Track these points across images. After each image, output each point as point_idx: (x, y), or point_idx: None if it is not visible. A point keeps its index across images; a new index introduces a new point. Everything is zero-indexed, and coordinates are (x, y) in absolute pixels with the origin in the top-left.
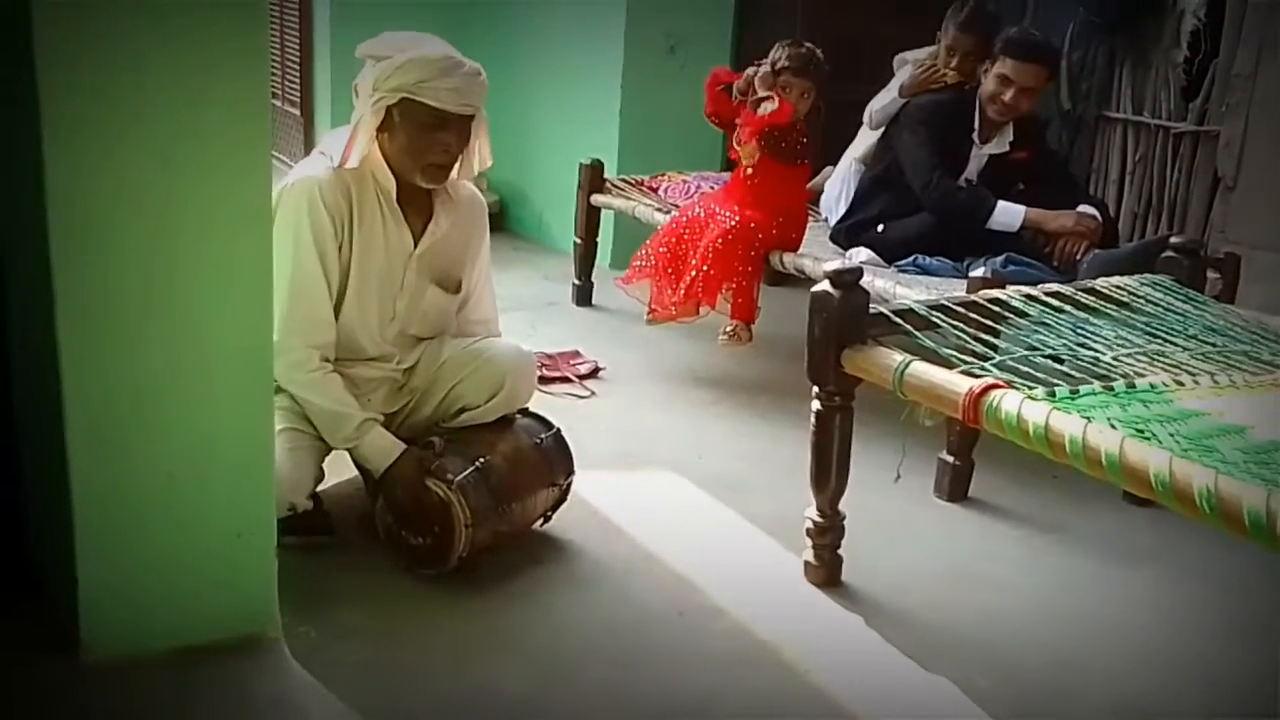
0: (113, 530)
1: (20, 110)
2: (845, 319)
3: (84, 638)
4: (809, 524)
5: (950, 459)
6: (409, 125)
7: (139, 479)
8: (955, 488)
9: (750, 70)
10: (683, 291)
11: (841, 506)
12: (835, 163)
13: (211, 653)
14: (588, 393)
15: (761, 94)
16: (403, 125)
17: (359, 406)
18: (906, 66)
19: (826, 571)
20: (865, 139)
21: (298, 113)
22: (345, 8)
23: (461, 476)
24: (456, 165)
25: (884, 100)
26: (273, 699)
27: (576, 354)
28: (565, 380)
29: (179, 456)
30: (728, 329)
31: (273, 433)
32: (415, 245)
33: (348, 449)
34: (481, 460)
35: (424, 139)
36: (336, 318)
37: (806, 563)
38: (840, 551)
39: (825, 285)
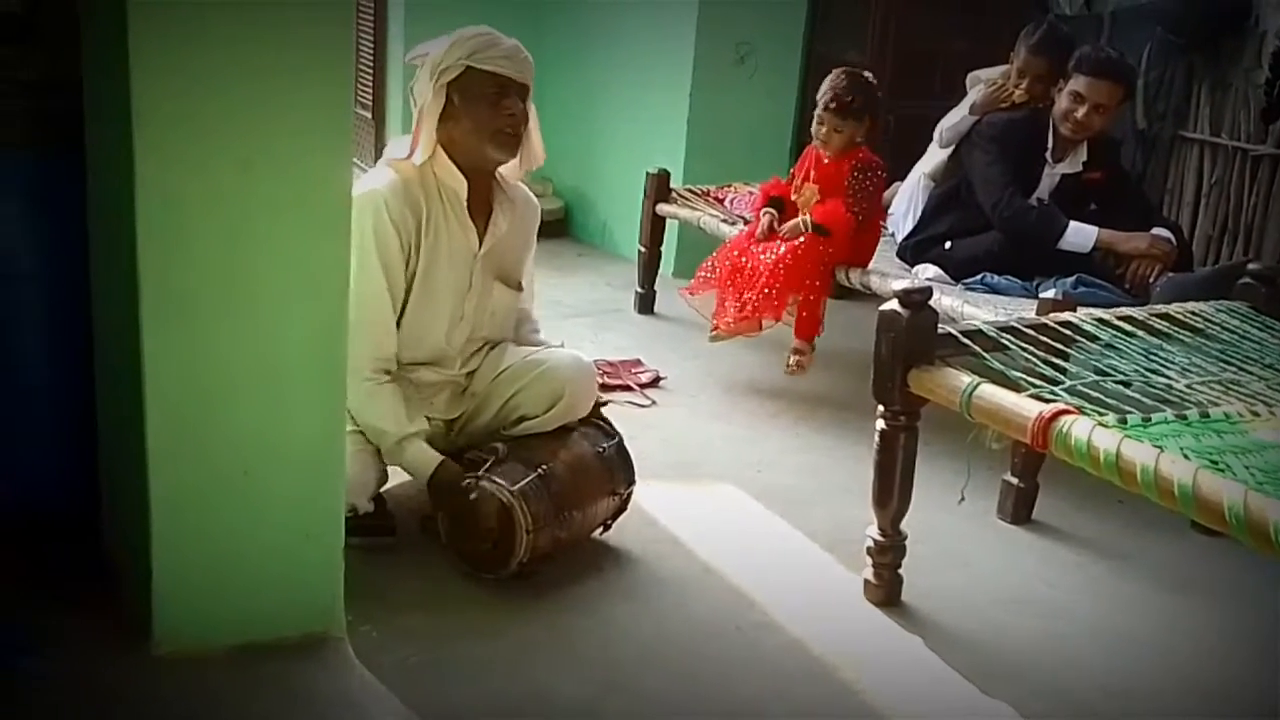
0: (187, 527)
1: (113, 121)
2: (913, 339)
3: (157, 632)
4: (870, 542)
5: (1015, 481)
6: (472, 100)
7: (214, 478)
8: (1019, 510)
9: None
10: (749, 306)
11: (902, 526)
12: (903, 177)
13: (278, 649)
14: (648, 401)
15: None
16: (465, 104)
17: (405, 420)
18: (979, 85)
19: (886, 591)
20: (934, 155)
21: (369, 115)
22: (418, 9)
23: (523, 483)
24: (518, 153)
25: (954, 119)
26: (336, 697)
27: (638, 362)
28: (626, 388)
29: (253, 456)
30: (791, 360)
31: (344, 435)
32: (480, 246)
33: (392, 462)
34: (544, 467)
35: (489, 109)
36: (402, 321)
37: (866, 581)
38: (900, 571)
39: (894, 304)
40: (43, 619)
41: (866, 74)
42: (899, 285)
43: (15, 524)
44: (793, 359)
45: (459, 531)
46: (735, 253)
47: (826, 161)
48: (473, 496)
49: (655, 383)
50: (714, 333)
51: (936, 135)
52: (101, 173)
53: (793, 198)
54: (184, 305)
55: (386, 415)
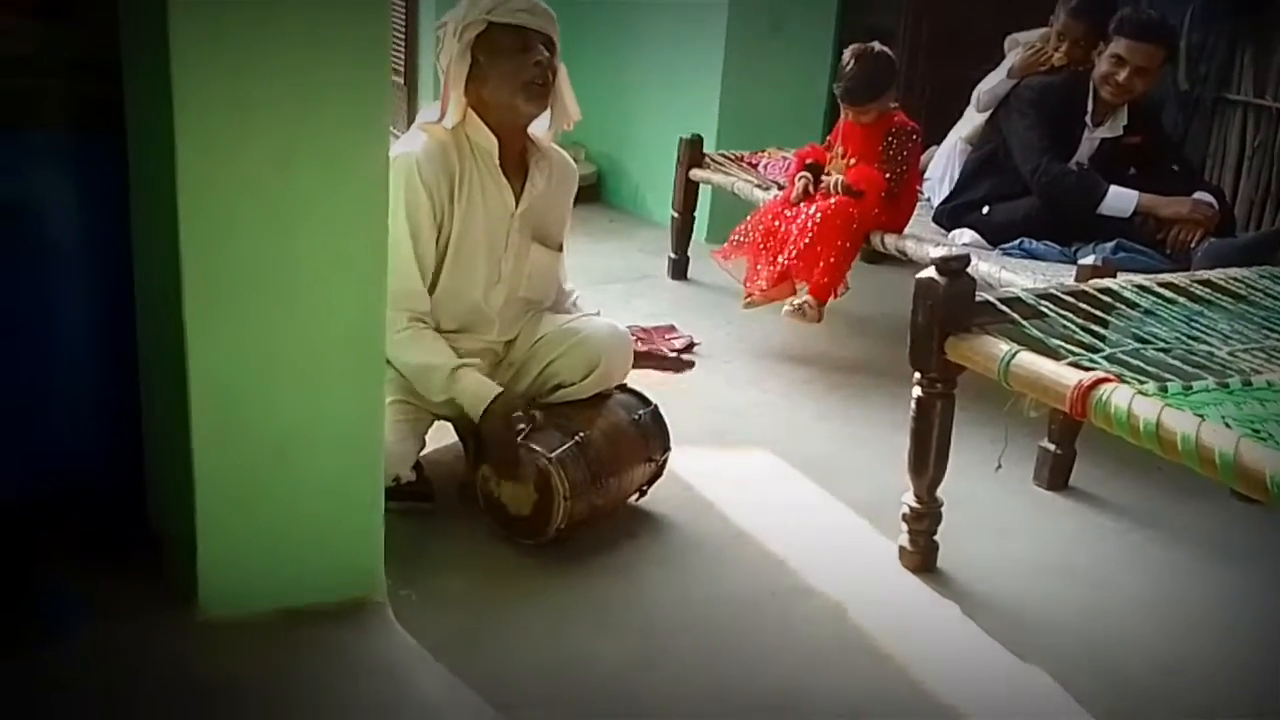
0: (231, 496)
1: (153, 103)
2: (950, 306)
3: (201, 597)
4: (905, 509)
5: (1052, 447)
6: (498, 56)
7: (257, 448)
8: (1055, 477)
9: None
10: (778, 269)
11: (938, 493)
12: (940, 142)
13: (320, 614)
14: (684, 366)
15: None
16: (491, 60)
17: (453, 354)
18: (1018, 49)
19: (922, 557)
20: (971, 119)
21: (401, 82)
22: None
23: (561, 450)
24: (548, 111)
25: (992, 82)
26: (377, 661)
27: (672, 328)
28: (660, 355)
29: (294, 429)
30: (795, 302)
31: (383, 406)
32: (516, 205)
33: (446, 397)
34: (580, 435)
35: (514, 62)
36: (436, 285)
37: (902, 548)
38: (936, 538)
39: (931, 272)
40: (91, 586)
41: (877, 48)
42: (937, 253)
43: (63, 495)
44: (796, 303)
45: (498, 482)
46: (769, 217)
47: (861, 128)
48: (522, 446)
49: (689, 348)
50: (747, 299)
51: (974, 98)
52: (142, 155)
53: (827, 169)
54: (225, 284)
55: (436, 350)
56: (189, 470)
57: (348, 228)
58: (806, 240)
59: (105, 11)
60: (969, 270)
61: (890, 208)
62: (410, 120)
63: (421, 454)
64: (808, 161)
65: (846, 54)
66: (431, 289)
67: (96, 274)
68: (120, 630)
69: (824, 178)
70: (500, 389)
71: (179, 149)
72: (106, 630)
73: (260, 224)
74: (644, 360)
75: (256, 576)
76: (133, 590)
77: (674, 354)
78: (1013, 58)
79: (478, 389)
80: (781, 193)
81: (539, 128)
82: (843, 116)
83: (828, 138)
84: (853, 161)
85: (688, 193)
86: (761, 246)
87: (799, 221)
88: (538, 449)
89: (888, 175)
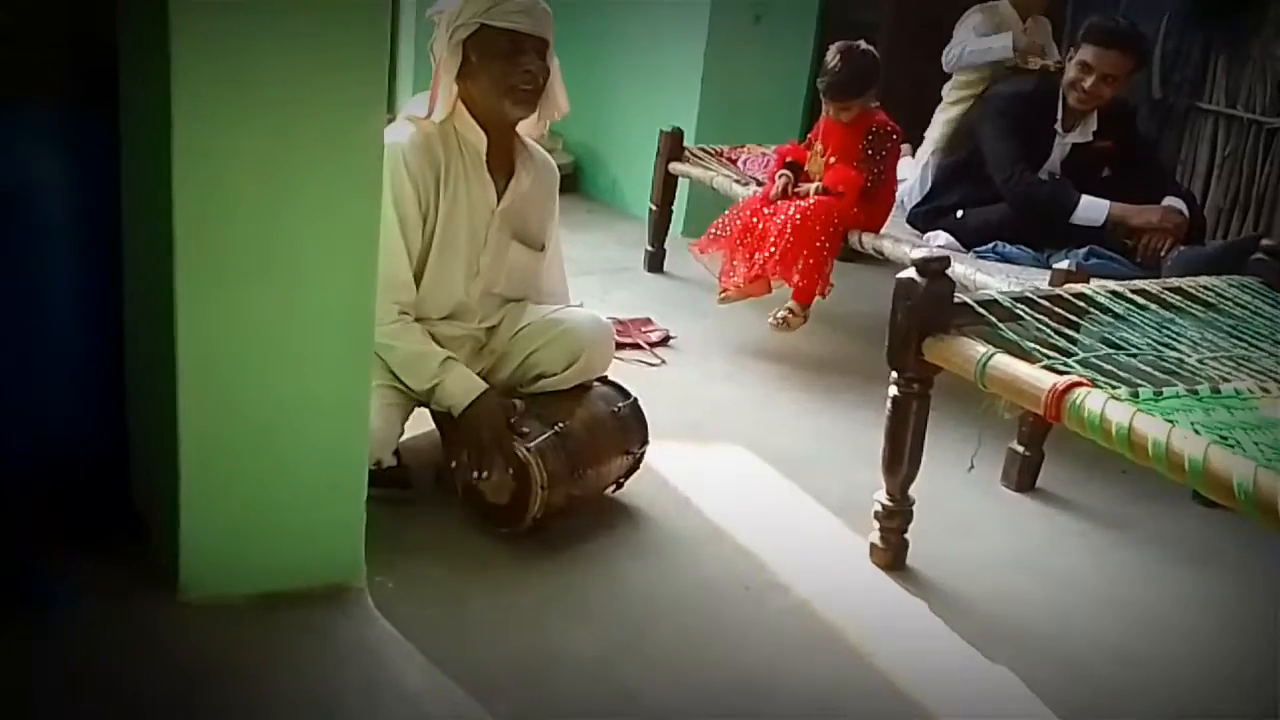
0: (216, 477)
1: (150, 77)
2: (929, 307)
3: (182, 579)
4: (878, 507)
5: (1021, 449)
6: (488, 57)
7: (243, 429)
8: (1023, 478)
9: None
10: (755, 267)
11: (910, 491)
12: (919, 136)
13: (300, 599)
14: (658, 360)
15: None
16: (481, 61)
17: (440, 349)
18: (973, 15)
19: (892, 555)
20: (939, 121)
21: None
22: None
23: (540, 440)
24: (536, 108)
25: (977, 44)
26: (356, 646)
27: (648, 321)
28: (636, 347)
29: (281, 409)
30: (779, 313)
31: (370, 390)
32: (499, 202)
33: (431, 388)
34: (560, 425)
35: (505, 65)
36: (421, 276)
37: (873, 545)
38: (906, 536)
39: (911, 273)
40: (71, 566)
41: (862, 45)
42: (917, 254)
43: (44, 474)
44: (782, 313)
45: (475, 472)
46: (747, 213)
47: (841, 127)
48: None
49: (665, 342)
50: (723, 295)
51: (949, 60)
52: (136, 130)
53: (806, 166)
54: (218, 262)
55: (424, 342)
56: (174, 450)
57: (343, 207)
58: (786, 240)
59: None
60: (947, 272)
61: (868, 207)
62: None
63: (400, 440)
64: (788, 160)
65: (831, 50)
66: (417, 279)
67: (83, 249)
68: (100, 611)
69: (802, 185)
70: (486, 387)
71: (175, 125)
72: (86, 610)
73: (255, 202)
74: (620, 349)
75: (238, 559)
76: (113, 570)
77: (650, 347)
78: (969, 22)
79: (465, 384)
80: (760, 189)
81: (525, 121)
82: (824, 113)
83: (808, 135)
84: (832, 160)
85: (666, 186)
86: (739, 242)
87: (777, 220)
88: (517, 438)
89: (866, 176)
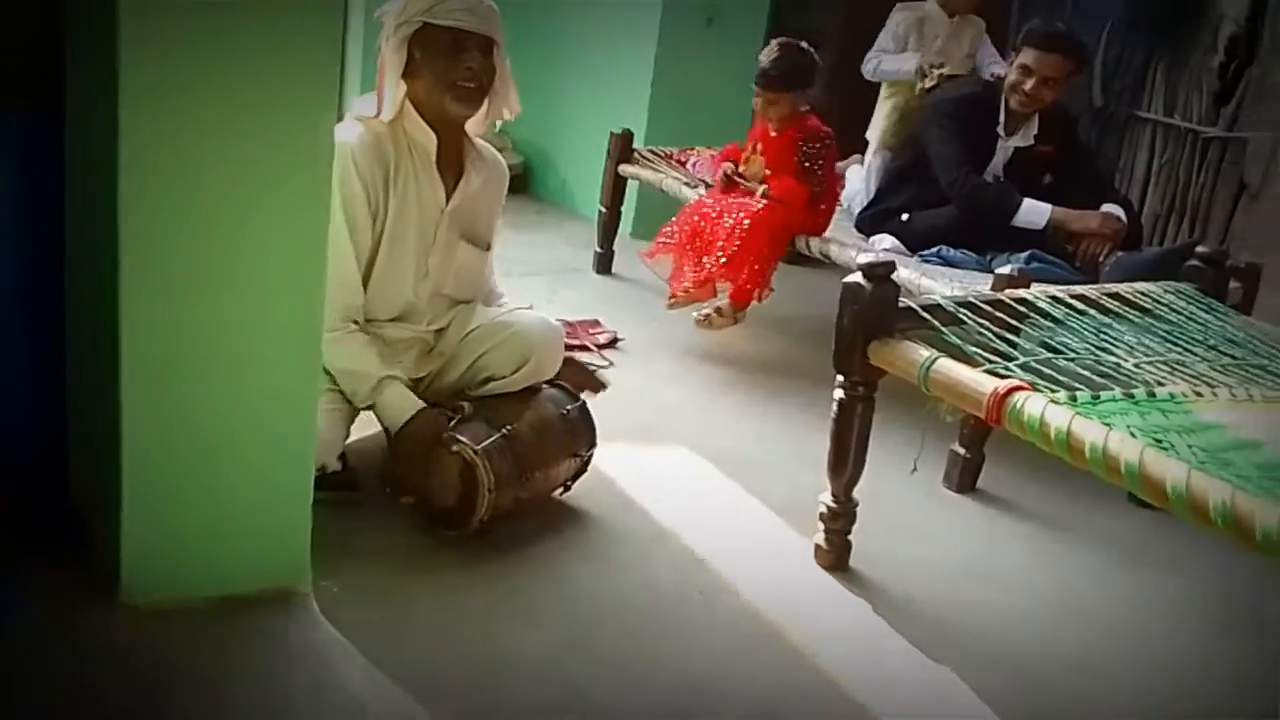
0: (160, 480)
1: (97, 84)
2: (875, 312)
3: (125, 584)
4: (822, 509)
5: (962, 451)
6: (432, 55)
7: (188, 432)
8: (964, 479)
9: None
10: (703, 271)
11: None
12: (863, 140)
13: (245, 603)
14: (606, 363)
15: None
16: (425, 59)
17: (380, 363)
18: (903, 15)
19: (836, 556)
20: (877, 122)
21: None
22: None
23: (488, 442)
24: (484, 106)
25: (893, 64)
26: (301, 651)
27: (596, 323)
28: (584, 349)
29: (227, 413)
30: (708, 312)
31: (317, 394)
32: (447, 202)
33: (367, 407)
34: (508, 428)
35: (447, 62)
36: (370, 277)
37: (817, 546)
38: (850, 537)
39: (857, 277)
40: (9, 570)
41: (803, 44)
42: (863, 258)
43: None
44: (707, 311)
45: (421, 484)
46: (695, 217)
47: (774, 135)
48: (454, 449)
49: (613, 344)
50: (671, 300)
51: (870, 69)
52: (82, 133)
53: (740, 169)
54: (163, 267)
55: (364, 357)
56: (117, 452)
57: (292, 214)
58: (734, 246)
59: None
60: (892, 277)
61: (812, 211)
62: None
63: (347, 443)
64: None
65: (771, 44)
66: (365, 281)
67: (26, 252)
68: (43, 614)
69: (748, 180)
70: (421, 405)
71: (121, 131)
72: (28, 613)
73: (202, 209)
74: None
75: (182, 563)
76: (53, 575)
77: (597, 349)
78: (892, 24)
79: (401, 404)
80: (707, 192)
81: (474, 122)
82: (757, 116)
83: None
84: (768, 172)
85: (616, 187)
86: (687, 247)
87: (725, 224)
88: (464, 440)
89: (810, 185)
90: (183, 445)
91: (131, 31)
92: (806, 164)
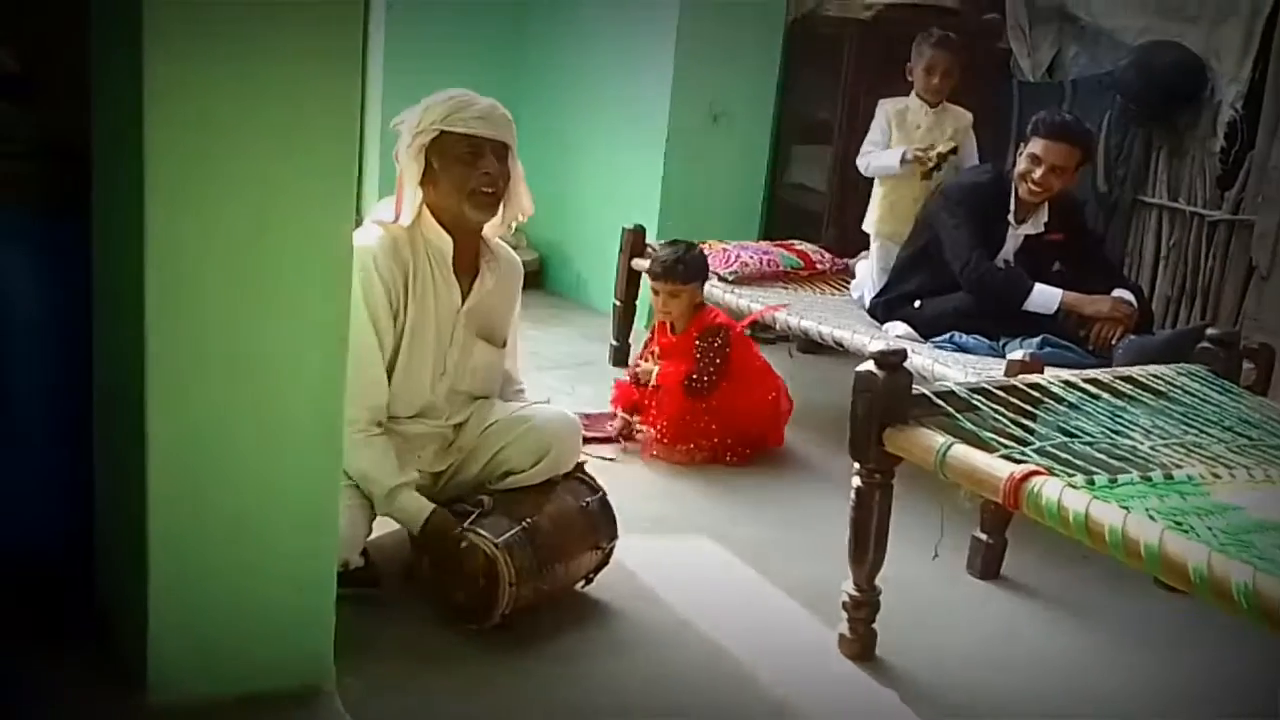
0: (185, 575)
1: (124, 182)
2: (889, 399)
3: (151, 680)
4: (845, 597)
5: (984, 537)
6: (449, 162)
7: (213, 526)
8: (988, 566)
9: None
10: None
11: (876, 581)
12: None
13: (270, 700)
14: (615, 456)
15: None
16: (443, 166)
17: (396, 470)
18: (885, 111)
19: (861, 645)
20: (872, 209)
21: None
22: (397, 73)
23: (508, 535)
24: (501, 207)
25: (883, 160)
26: None
27: (614, 415)
28: (605, 440)
29: (252, 506)
30: (627, 426)
31: (339, 489)
32: (463, 302)
33: (385, 512)
34: (528, 521)
35: (465, 169)
36: (391, 376)
37: (841, 635)
38: (874, 626)
39: (870, 365)
40: (36, 668)
41: (699, 249)
42: (875, 346)
43: (8, 573)
44: (628, 428)
45: (444, 580)
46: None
47: (673, 336)
48: (464, 545)
49: (631, 436)
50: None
51: (862, 164)
52: (109, 232)
53: (636, 371)
54: (189, 362)
55: (380, 465)
56: (143, 550)
57: (313, 309)
58: (666, 440)
59: (76, 95)
60: (905, 364)
61: (749, 405)
62: (356, 221)
63: (368, 539)
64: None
65: (664, 243)
66: (387, 379)
67: (55, 349)
68: (70, 714)
69: (642, 365)
70: (434, 507)
71: (148, 229)
72: (55, 714)
73: (226, 303)
74: (587, 444)
75: (207, 660)
76: (79, 674)
77: (621, 439)
78: (880, 120)
79: (415, 509)
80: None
81: (491, 224)
82: (655, 326)
83: (644, 349)
84: (657, 369)
85: (629, 281)
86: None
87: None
88: (485, 534)
89: (696, 381)
90: (207, 543)
91: (158, 138)
92: (701, 360)
